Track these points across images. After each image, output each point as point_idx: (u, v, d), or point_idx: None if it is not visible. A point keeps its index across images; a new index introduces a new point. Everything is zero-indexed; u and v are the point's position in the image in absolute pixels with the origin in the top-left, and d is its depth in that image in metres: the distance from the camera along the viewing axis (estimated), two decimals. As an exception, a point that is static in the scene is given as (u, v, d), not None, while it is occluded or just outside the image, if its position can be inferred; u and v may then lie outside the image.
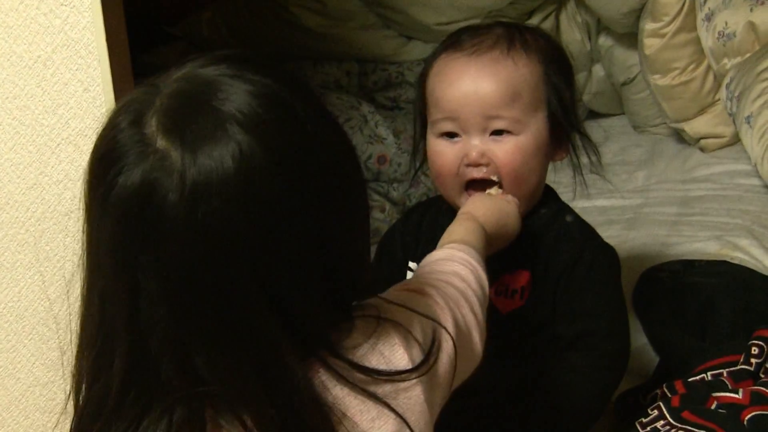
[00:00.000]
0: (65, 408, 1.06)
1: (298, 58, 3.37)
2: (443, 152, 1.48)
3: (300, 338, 0.97)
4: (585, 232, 1.54)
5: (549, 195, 1.58)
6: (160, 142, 0.93)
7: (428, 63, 1.54)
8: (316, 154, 0.97)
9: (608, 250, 1.54)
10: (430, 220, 1.61)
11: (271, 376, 0.95)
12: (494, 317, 1.48)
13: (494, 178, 1.45)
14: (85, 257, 1.00)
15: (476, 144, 1.45)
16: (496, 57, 1.46)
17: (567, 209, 1.57)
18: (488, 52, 1.46)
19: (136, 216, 0.93)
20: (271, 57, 1.03)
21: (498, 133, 1.45)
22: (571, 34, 3.18)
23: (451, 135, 1.48)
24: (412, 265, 1.59)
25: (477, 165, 1.45)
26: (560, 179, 1.62)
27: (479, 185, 1.47)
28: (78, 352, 1.03)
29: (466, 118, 1.45)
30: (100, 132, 0.99)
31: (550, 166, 1.55)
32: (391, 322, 1.04)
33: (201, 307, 0.94)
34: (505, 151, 1.44)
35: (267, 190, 0.93)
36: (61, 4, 1.36)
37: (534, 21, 3.14)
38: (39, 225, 1.45)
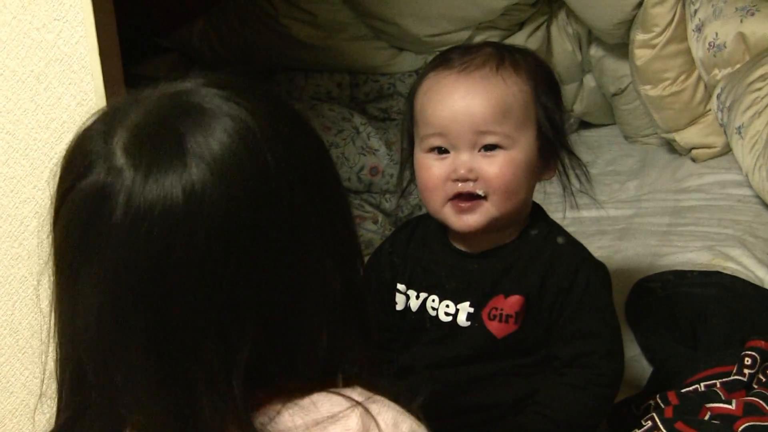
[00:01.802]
0: (33, 417, 1.07)
1: (290, 69, 3.37)
2: (431, 166, 1.48)
3: (220, 394, 0.93)
4: (577, 253, 1.54)
5: (538, 215, 1.57)
6: (119, 159, 0.93)
7: (417, 82, 1.54)
8: (276, 210, 0.94)
9: (600, 268, 1.55)
10: (417, 240, 1.61)
11: (185, 416, 0.93)
12: (489, 342, 1.49)
13: (480, 193, 1.45)
14: (52, 263, 1.01)
15: (465, 160, 1.45)
16: (486, 74, 1.46)
17: (557, 229, 1.56)
18: (478, 69, 1.47)
19: (82, 225, 0.93)
20: (269, 90, 1.01)
21: (489, 148, 1.45)
22: (562, 45, 3.19)
23: (439, 151, 1.48)
24: (400, 287, 1.58)
25: (465, 180, 1.45)
26: (551, 189, 1.62)
27: (465, 196, 1.47)
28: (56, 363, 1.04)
29: (456, 135, 1.45)
30: (75, 134, 0.99)
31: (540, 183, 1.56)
32: (364, 410, 0.97)
33: (127, 327, 0.93)
34: (496, 164, 1.44)
35: (211, 229, 0.91)
36: (54, 19, 1.36)
37: (525, 32, 3.15)
38: (33, 239, 1.45)
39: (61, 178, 0.98)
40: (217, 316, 0.92)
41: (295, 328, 0.97)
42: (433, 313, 1.54)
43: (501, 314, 1.49)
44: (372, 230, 2.69)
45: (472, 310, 1.50)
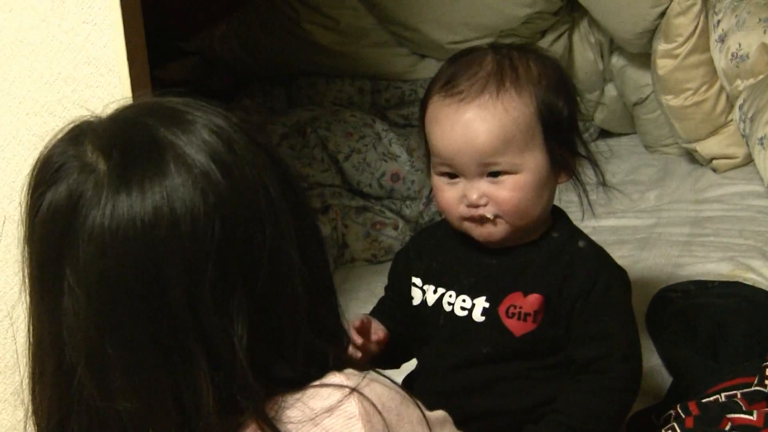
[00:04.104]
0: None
1: (311, 75, 3.38)
2: (444, 191, 1.51)
3: (225, 386, 0.95)
4: (599, 257, 1.55)
5: (559, 218, 1.59)
6: (91, 157, 0.94)
7: (425, 98, 1.56)
8: (252, 204, 0.97)
9: (621, 273, 1.55)
10: (437, 239, 1.63)
11: (188, 406, 0.94)
12: (507, 340, 1.49)
13: (489, 216, 1.48)
14: (27, 281, 1.00)
15: (475, 187, 1.48)
16: (485, 103, 1.46)
17: (579, 233, 1.57)
18: (477, 98, 1.47)
19: (62, 228, 0.93)
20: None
21: (495, 174, 1.47)
22: (584, 54, 3.19)
23: (450, 176, 1.50)
24: (416, 280, 1.60)
25: (476, 206, 1.47)
26: (572, 198, 1.62)
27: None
28: (29, 377, 1.03)
29: (461, 165, 1.47)
30: (39, 153, 1.00)
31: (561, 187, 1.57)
32: (362, 397, 0.99)
33: (121, 318, 0.93)
34: (505, 190, 1.47)
35: (194, 225, 0.93)
36: (83, 22, 1.36)
37: (547, 40, 3.15)
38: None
39: (31, 192, 0.98)
40: (212, 291, 0.94)
41: (279, 308, 0.99)
42: (448, 308, 1.54)
43: (520, 312, 1.49)
44: (392, 236, 2.69)
45: (487, 305, 1.51)
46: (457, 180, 1.49)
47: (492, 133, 1.45)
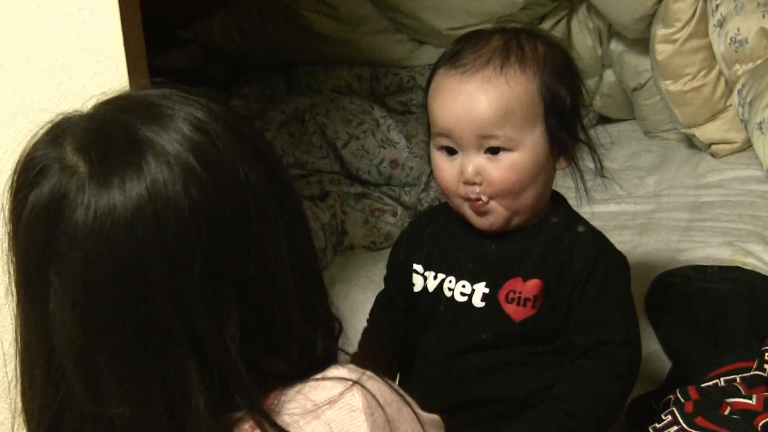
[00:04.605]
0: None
1: (310, 62, 3.37)
2: (443, 168, 1.51)
3: (218, 386, 0.95)
4: (598, 242, 1.55)
5: (558, 203, 1.59)
6: (71, 158, 0.93)
7: (430, 75, 1.56)
8: (238, 198, 0.96)
9: (621, 258, 1.55)
10: (436, 225, 1.63)
11: (179, 409, 0.94)
12: (507, 325, 1.50)
13: (484, 198, 1.48)
14: (13, 285, 1.00)
15: (471, 162, 1.47)
16: (488, 76, 1.46)
17: (578, 218, 1.58)
18: (481, 70, 1.47)
19: (45, 232, 0.92)
20: (207, 91, 1.02)
21: (493, 151, 1.46)
22: (583, 40, 3.18)
23: (448, 151, 1.50)
24: (417, 267, 1.60)
25: (472, 184, 1.47)
26: (569, 184, 1.62)
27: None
28: (19, 382, 1.03)
29: (460, 137, 1.47)
30: (20, 154, 0.99)
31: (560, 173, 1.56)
32: (365, 390, 0.99)
33: (108, 321, 0.92)
34: (500, 168, 1.46)
35: (178, 222, 0.92)
36: (80, 8, 1.36)
37: (546, 26, 3.14)
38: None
39: (13, 194, 0.97)
40: (200, 291, 0.93)
41: (270, 302, 0.99)
42: (448, 294, 1.55)
43: (519, 297, 1.49)
44: (391, 223, 2.69)
45: (487, 290, 1.51)
46: (455, 156, 1.49)
47: (493, 104, 1.45)
